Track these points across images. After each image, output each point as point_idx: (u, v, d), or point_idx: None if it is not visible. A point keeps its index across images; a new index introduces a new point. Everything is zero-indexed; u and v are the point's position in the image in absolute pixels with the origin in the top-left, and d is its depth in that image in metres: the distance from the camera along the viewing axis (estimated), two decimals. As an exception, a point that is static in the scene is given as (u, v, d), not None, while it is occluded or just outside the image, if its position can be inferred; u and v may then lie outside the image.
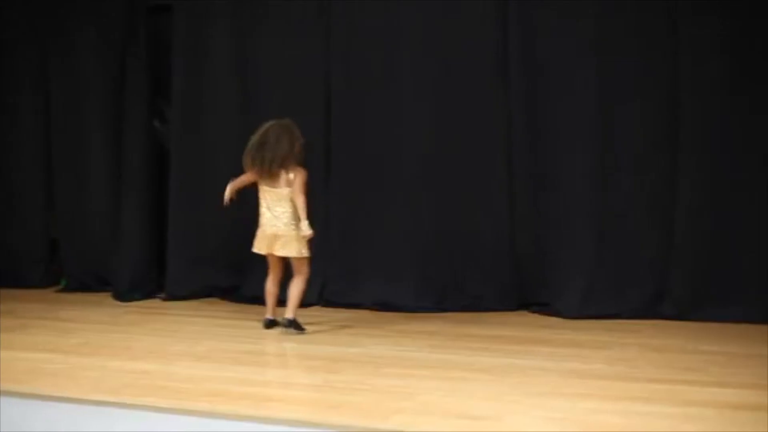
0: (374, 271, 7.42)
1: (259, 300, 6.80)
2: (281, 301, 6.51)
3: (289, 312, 6.36)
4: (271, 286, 6.53)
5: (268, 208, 6.38)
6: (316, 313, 7.23)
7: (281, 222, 6.34)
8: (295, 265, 6.42)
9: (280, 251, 6.37)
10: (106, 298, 7.94)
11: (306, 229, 6.27)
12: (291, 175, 6.33)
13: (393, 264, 7.37)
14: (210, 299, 7.78)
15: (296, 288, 6.37)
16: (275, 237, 6.36)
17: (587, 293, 6.88)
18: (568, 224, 7.01)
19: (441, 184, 7.29)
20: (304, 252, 6.37)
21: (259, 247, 6.44)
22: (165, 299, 7.85)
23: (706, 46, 6.62)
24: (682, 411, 4.51)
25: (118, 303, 7.79)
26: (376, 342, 6.19)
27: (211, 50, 7.85)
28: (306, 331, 6.35)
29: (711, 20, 6.60)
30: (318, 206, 7.48)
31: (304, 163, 6.43)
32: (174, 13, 7.93)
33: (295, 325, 6.34)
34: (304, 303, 6.74)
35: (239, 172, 6.46)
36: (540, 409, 4.58)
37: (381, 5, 7.37)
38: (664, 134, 6.78)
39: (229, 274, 7.82)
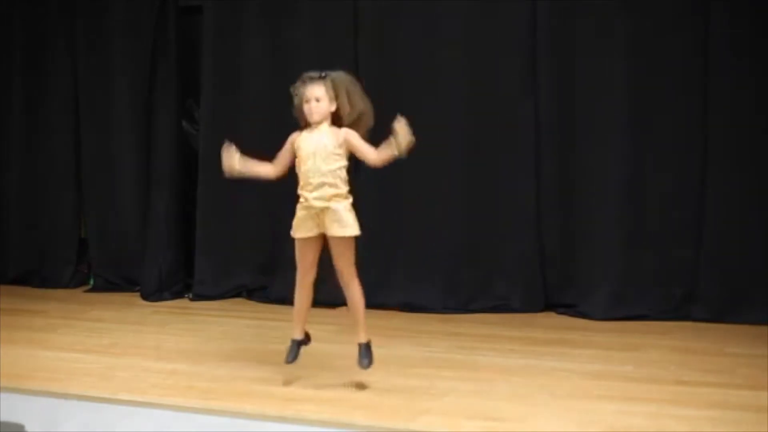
0: (401, 273, 7.41)
1: (285, 300, 6.80)
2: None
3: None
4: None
5: None
6: (341, 313, 7.23)
7: None
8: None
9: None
10: (134, 298, 7.98)
11: None
12: None
13: (419, 265, 7.35)
14: (237, 299, 7.80)
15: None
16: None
17: (615, 295, 6.84)
18: (596, 225, 6.98)
19: (468, 185, 7.27)
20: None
21: None
22: (192, 299, 7.88)
23: (738, 48, 6.56)
24: (710, 414, 4.49)
25: (146, 303, 7.83)
26: (402, 343, 6.20)
27: (241, 51, 7.86)
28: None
29: (744, 23, 6.54)
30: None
31: None
32: (204, 14, 7.94)
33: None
34: (331, 303, 6.74)
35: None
36: (567, 411, 4.58)
37: (411, 6, 7.36)
38: (694, 135, 6.72)
39: (256, 275, 7.83)
